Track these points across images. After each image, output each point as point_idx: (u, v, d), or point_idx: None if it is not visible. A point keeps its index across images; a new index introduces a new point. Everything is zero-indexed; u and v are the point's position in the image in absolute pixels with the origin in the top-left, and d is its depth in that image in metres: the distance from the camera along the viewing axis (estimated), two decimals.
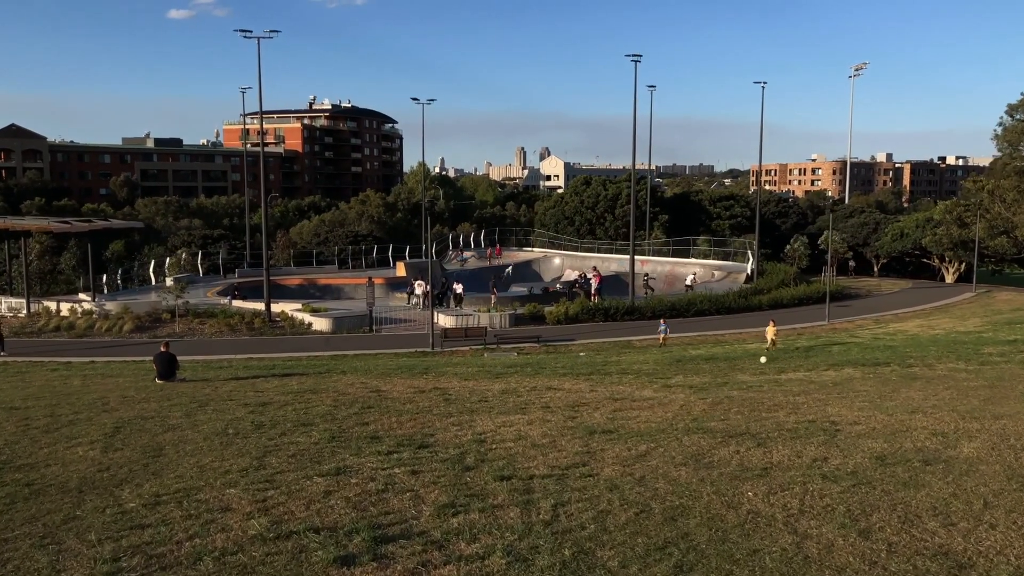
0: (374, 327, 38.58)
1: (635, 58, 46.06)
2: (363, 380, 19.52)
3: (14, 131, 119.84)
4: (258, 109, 42.16)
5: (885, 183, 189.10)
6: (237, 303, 43.43)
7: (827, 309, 43.25)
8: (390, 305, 43.99)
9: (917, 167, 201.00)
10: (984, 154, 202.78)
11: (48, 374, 23.51)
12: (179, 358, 20.49)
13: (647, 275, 51.69)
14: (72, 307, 40.68)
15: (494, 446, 10.43)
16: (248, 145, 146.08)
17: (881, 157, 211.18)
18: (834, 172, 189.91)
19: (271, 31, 40.12)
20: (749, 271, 55.57)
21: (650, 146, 62.70)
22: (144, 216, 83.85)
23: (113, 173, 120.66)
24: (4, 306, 42.08)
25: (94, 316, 39.75)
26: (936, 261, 73.11)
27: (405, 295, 45.85)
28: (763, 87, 56.85)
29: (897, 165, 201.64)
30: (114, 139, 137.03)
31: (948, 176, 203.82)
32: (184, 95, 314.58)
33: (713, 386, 17.57)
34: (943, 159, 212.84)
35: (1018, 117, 53.73)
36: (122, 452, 10.51)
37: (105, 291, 48.90)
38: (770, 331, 29.52)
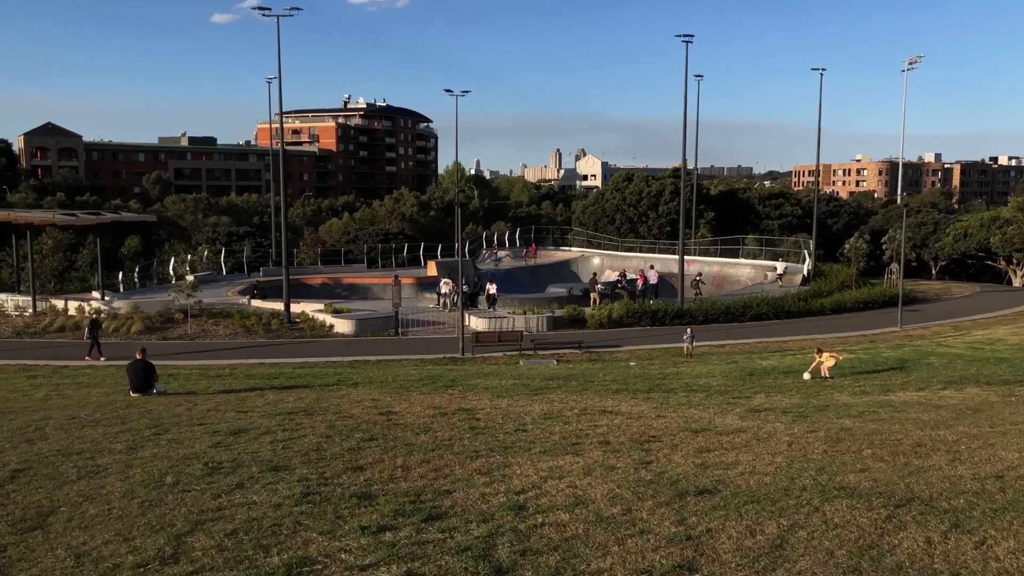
0: (400, 330, 35.28)
1: (686, 39, 42.24)
2: (375, 396, 16.13)
3: (50, 129, 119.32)
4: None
5: (934, 184, 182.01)
6: (256, 303, 40.48)
7: (900, 314, 39.02)
8: (419, 306, 40.69)
9: (967, 167, 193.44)
10: None
11: (22, 381, 20.52)
12: (185, 361, 17.35)
13: (698, 275, 47.73)
14: (80, 306, 37.98)
15: (539, 519, 6.90)
16: (280, 143, 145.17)
17: (929, 158, 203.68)
18: (880, 173, 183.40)
19: (291, 9, 37.09)
20: (805, 272, 51.37)
21: (696, 139, 58.26)
22: (173, 213, 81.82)
23: (147, 171, 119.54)
24: (11, 304, 39.57)
25: (102, 316, 37.00)
26: (1003, 263, 68.04)
27: (434, 296, 42.48)
28: (821, 73, 52.56)
29: (946, 165, 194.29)
30: (151, 140, 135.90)
31: (1000, 177, 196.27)
32: (222, 97, 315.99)
33: (812, 411, 13.87)
34: (995, 159, 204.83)
35: None
36: None
37: (121, 289, 46.35)
38: (827, 359, 21.29)
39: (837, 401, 15.25)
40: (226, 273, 53.81)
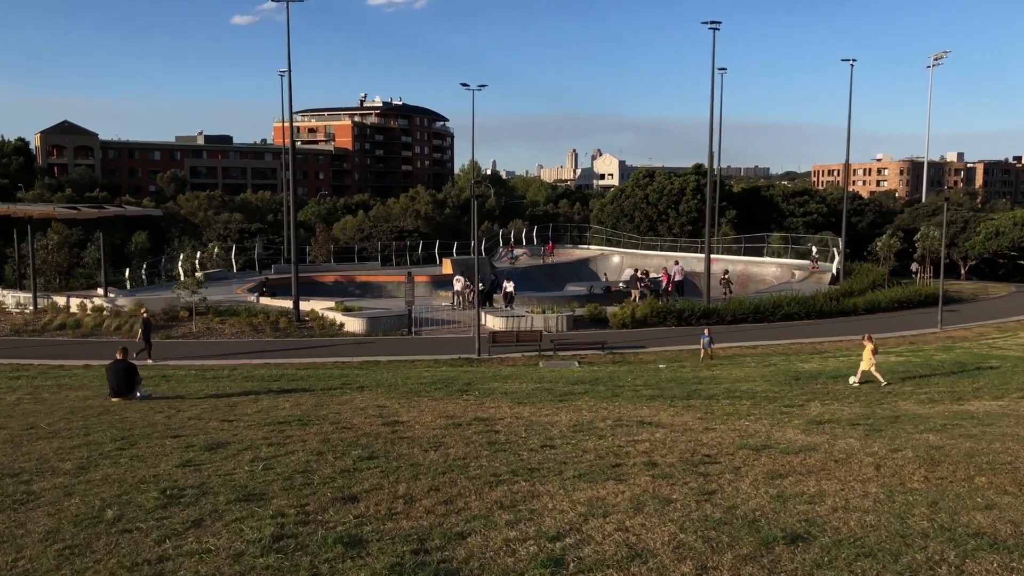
0: (413, 329, 33.56)
1: (713, 26, 40.35)
2: (381, 401, 14.38)
3: (66, 127, 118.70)
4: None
5: (956, 183, 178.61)
6: (265, 300, 39.00)
7: (940, 314, 36.94)
8: (433, 304, 38.97)
9: (991, 167, 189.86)
10: None
11: (3, 382, 18.93)
12: (185, 360, 15.85)
13: (725, 273, 45.80)
14: (82, 303, 36.55)
15: None
16: (299, 143, 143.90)
17: (951, 157, 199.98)
18: (901, 172, 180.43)
19: None
20: (835, 271, 49.31)
21: (720, 134, 55.65)
22: (186, 211, 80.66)
23: (162, 170, 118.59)
24: (11, 301, 38.21)
25: (104, 313, 35.57)
26: None
27: (449, 294, 40.76)
28: (852, 64, 50.29)
29: (969, 165, 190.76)
30: (168, 139, 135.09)
31: None
32: (240, 98, 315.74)
33: (883, 423, 11.98)
34: (1018, 159, 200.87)
35: None
36: None
37: (128, 286, 45.04)
38: (867, 356, 18.82)
39: (907, 411, 13.34)
40: (237, 271, 52.47)
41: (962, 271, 69.66)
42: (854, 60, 49.74)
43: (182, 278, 45.68)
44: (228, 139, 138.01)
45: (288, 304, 36.42)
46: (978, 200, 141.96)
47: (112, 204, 65.31)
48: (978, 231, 68.89)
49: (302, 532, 6.22)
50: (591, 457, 9.26)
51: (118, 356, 15.20)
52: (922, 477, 8.08)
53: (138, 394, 15.03)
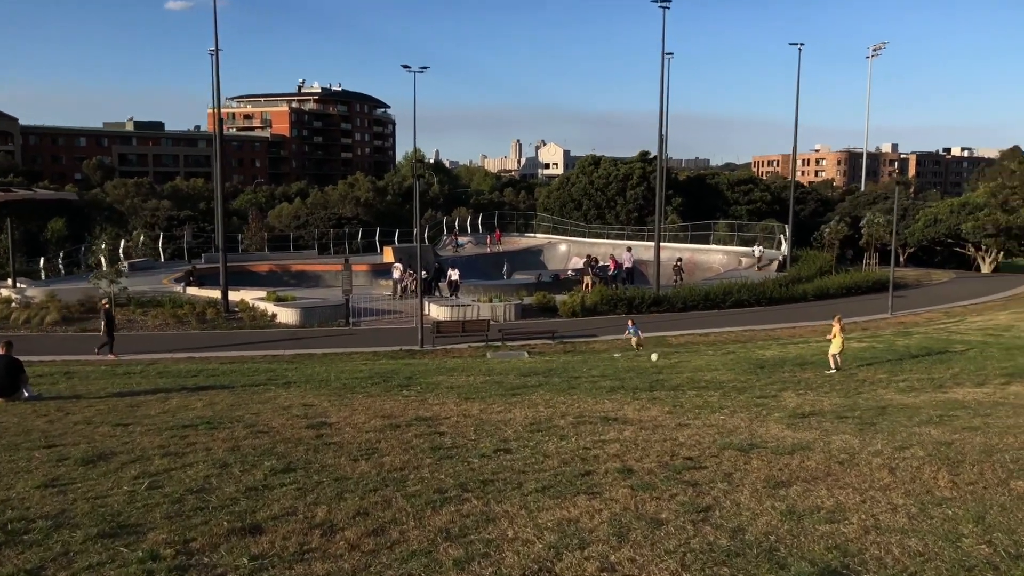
0: (351, 320, 31.66)
1: (663, 5, 39.13)
2: (309, 400, 12.65)
3: None
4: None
5: (891, 174, 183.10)
6: (192, 290, 36.62)
7: (891, 300, 36.63)
8: (373, 294, 37.07)
9: (923, 158, 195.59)
10: (988, 146, 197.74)
11: None
12: (93, 357, 13.71)
13: (678, 260, 45.03)
14: None
15: None
16: (234, 130, 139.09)
17: (886, 148, 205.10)
18: (838, 163, 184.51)
19: None
20: (782, 258, 48.97)
21: (666, 120, 54.09)
22: (112, 198, 76.71)
23: (89, 157, 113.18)
24: None
25: (13, 305, 32.80)
26: (971, 250, 66.86)
27: (390, 283, 38.91)
28: (800, 48, 49.73)
29: (903, 156, 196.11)
30: (96, 125, 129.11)
31: (953, 168, 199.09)
32: (174, 84, 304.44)
33: (871, 415, 10.77)
34: (948, 150, 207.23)
35: None
36: None
37: (43, 276, 42.02)
38: (836, 336, 18.37)
39: (891, 401, 12.20)
40: (165, 260, 49.78)
41: (901, 258, 70.50)
42: (802, 44, 49.21)
43: (105, 267, 42.91)
44: (160, 125, 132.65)
45: (217, 294, 34.15)
46: (911, 190, 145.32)
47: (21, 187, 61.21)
48: (917, 219, 69.77)
49: None
50: (554, 463, 7.76)
51: (1, 351, 13.11)
52: (948, 482, 6.78)
53: (25, 394, 13.00)
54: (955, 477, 6.96)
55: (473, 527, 5.61)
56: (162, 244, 51.05)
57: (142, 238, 52.58)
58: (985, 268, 64.63)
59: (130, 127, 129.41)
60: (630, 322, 26.92)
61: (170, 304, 32.92)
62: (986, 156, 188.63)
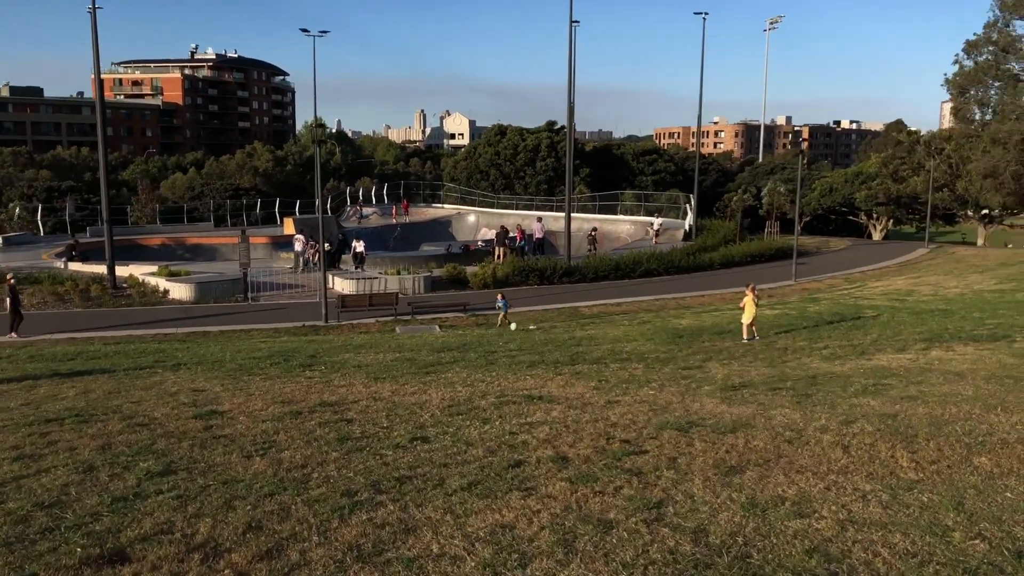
0: (250, 295, 29.89)
1: None
2: (199, 384, 11.35)
3: None
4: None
5: (785, 146, 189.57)
6: (75, 266, 33.97)
7: (794, 267, 37.32)
8: (273, 267, 35.22)
9: (815, 130, 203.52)
10: (874, 119, 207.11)
11: None
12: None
13: (593, 231, 44.80)
14: None
15: None
16: (121, 97, 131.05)
17: (781, 120, 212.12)
18: (736, 135, 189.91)
19: None
20: (687, 227, 49.43)
21: (573, 88, 53.91)
22: None
23: None
24: None
25: None
26: (864, 218, 69.66)
27: (291, 256, 37.12)
28: (704, 17, 49.88)
29: (796, 128, 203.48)
30: None
31: (843, 139, 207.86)
32: (57, 49, 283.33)
33: (803, 386, 10.33)
34: (838, 123, 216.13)
35: (980, 58, 48.17)
36: None
37: None
38: (749, 305, 17.60)
39: (819, 370, 11.84)
40: (45, 234, 46.18)
41: (798, 226, 72.69)
42: (706, 13, 49.36)
43: None
44: (39, 91, 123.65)
45: (102, 270, 31.70)
46: (805, 160, 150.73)
47: None
48: (813, 188, 72.03)
49: None
50: (479, 453, 6.87)
51: None
52: (909, 462, 6.25)
53: None
54: (914, 455, 6.44)
55: (389, 541, 4.67)
56: (41, 217, 47.34)
57: (18, 210, 48.70)
58: (876, 235, 67.42)
59: (5, 93, 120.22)
60: (500, 296, 25.97)
61: (49, 281, 30.31)
62: (873, 129, 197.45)
